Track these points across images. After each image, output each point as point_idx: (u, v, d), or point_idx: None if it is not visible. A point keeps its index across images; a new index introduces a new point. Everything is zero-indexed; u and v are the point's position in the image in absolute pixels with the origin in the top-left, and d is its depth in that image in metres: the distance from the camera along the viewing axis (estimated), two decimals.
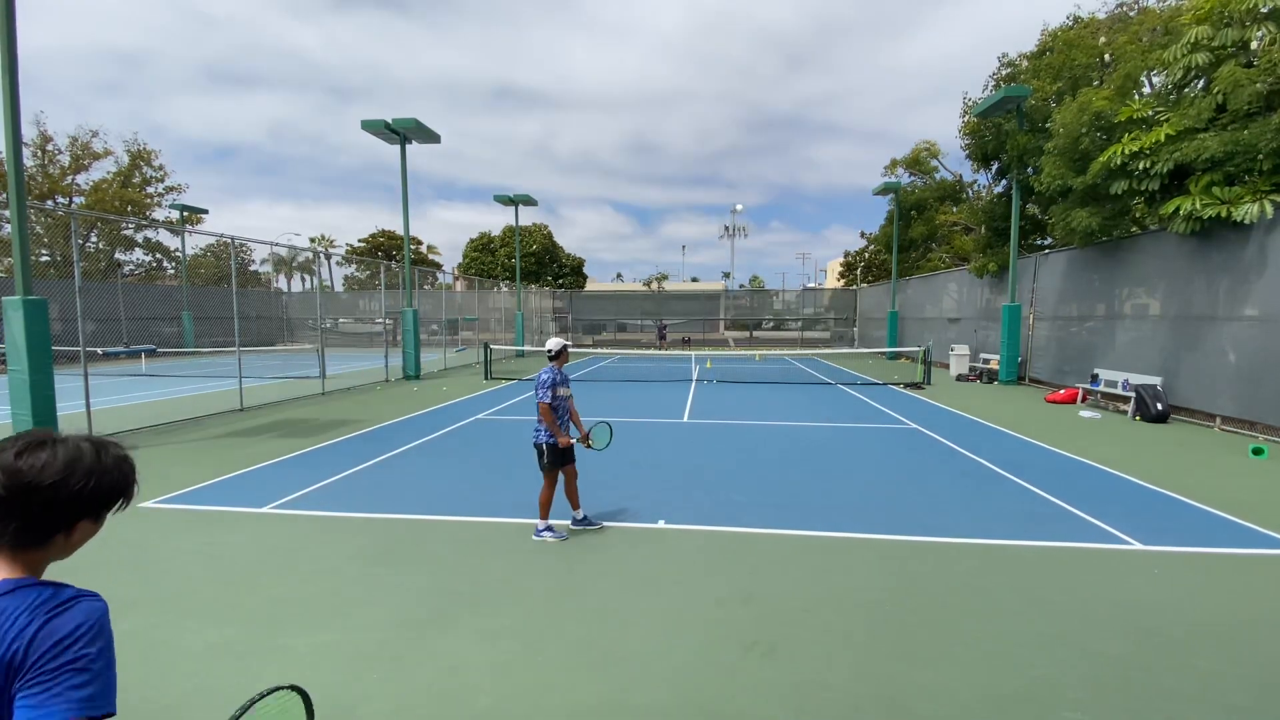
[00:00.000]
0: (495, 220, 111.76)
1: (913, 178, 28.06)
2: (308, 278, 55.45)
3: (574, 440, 5.39)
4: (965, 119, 20.61)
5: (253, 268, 39.78)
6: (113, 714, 0.99)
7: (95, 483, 1.07)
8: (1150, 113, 11.59)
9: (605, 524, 5.51)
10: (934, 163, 27.70)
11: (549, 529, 5.20)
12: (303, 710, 1.33)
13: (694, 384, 16.53)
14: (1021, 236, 17.51)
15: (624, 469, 7.53)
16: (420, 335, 18.91)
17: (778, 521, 5.61)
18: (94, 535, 1.13)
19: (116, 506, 1.12)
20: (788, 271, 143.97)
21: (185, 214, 30.59)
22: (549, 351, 5.46)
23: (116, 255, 32.50)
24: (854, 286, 40.91)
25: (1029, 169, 16.14)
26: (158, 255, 34.59)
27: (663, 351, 30.01)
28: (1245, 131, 9.92)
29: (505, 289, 33.88)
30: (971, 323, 20.65)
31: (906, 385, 16.44)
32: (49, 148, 29.86)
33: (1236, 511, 5.94)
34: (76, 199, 30.66)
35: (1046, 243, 19.38)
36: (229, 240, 12.92)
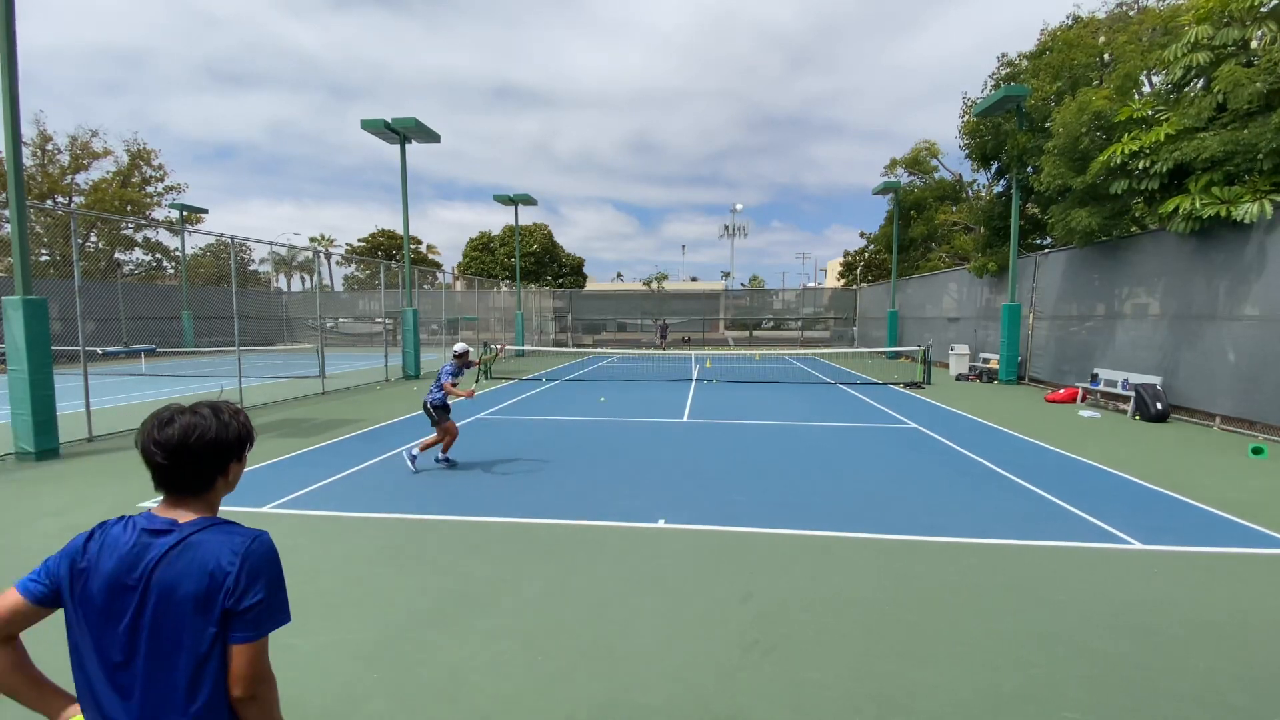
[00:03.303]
0: (495, 220, 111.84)
1: (912, 177, 28.07)
2: (307, 277, 55.46)
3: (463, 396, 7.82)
4: (965, 119, 20.62)
5: (252, 267, 39.79)
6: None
7: (224, 435, 1.37)
8: (1150, 112, 11.59)
9: (597, 521, 5.52)
10: (934, 162, 27.71)
11: (414, 458, 7.37)
12: None
13: (694, 384, 16.54)
14: (1021, 236, 17.50)
15: (624, 468, 7.53)
16: (420, 335, 18.91)
17: (777, 521, 5.61)
18: (243, 470, 1.50)
19: (248, 447, 1.45)
20: (788, 271, 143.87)
21: (185, 213, 30.58)
22: (461, 352, 7.79)
23: (116, 255, 32.49)
24: (854, 286, 40.91)
25: (1029, 169, 16.14)
26: (157, 255, 34.59)
27: (663, 351, 30.04)
28: (1245, 131, 9.92)
29: (505, 289, 33.87)
30: (971, 322, 20.65)
31: (906, 385, 16.44)
32: (49, 147, 29.88)
33: (1236, 511, 5.94)
34: (76, 198, 30.65)
35: (1046, 242, 19.39)
36: (229, 240, 12.91)
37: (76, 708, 1.34)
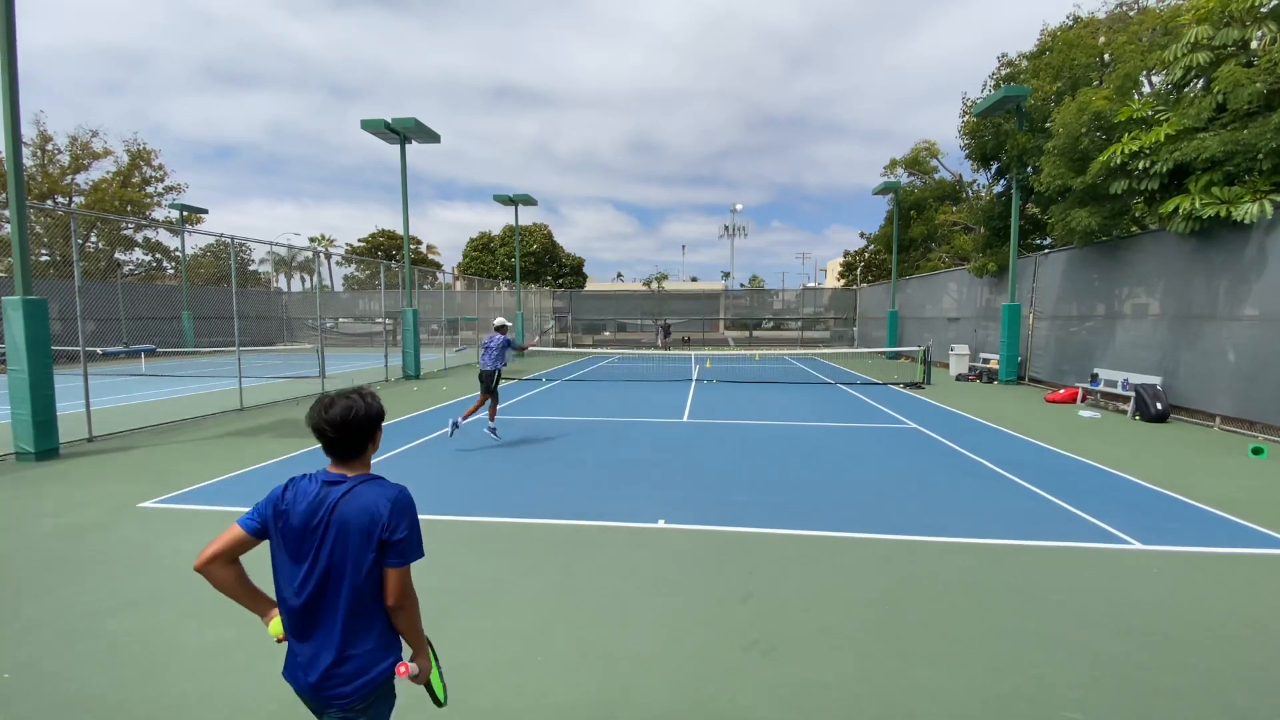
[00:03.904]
0: (495, 220, 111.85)
1: (912, 177, 28.07)
2: (307, 277, 55.46)
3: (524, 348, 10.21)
4: (965, 119, 20.61)
5: (252, 267, 39.79)
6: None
7: (369, 412, 1.83)
8: (1150, 112, 11.58)
9: (597, 521, 5.52)
10: (933, 162, 27.71)
11: (457, 426, 8.73)
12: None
13: (694, 384, 16.54)
14: (1021, 236, 17.50)
15: (624, 468, 7.53)
16: (420, 335, 18.91)
17: (777, 521, 5.61)
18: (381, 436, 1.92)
19: (383, 420, 1.91)
20: (788, 271, 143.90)
21: (185, 214, 30.58)
22: (502, 325, 9.16)
23: (116, 255, 32.48)
24: (854, 286, 40.91)
25: (1029, 169, 16.14)
26: (157, 255, 34.58)
27: (666, 351, 30.07)
28: (1245, 131, 9.92)
29: (505, 289, 33.88)
30: (971, 322, 20.65)
31: (906, 385, 16.44)
32: (49, 147, 29.87)
33: (1236, 511, 5.95)
34: (76, 199, 30.65)
35: (1046, 242, 19.38)
36: (229, 240, 12.90)
37: (276, 610, 1.87)
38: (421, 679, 1.93)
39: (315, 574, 1.74)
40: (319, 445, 1.82)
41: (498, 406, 9.13)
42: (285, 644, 1.86)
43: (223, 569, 1.78)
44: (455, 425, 8.70)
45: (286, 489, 1.80)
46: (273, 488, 1.83)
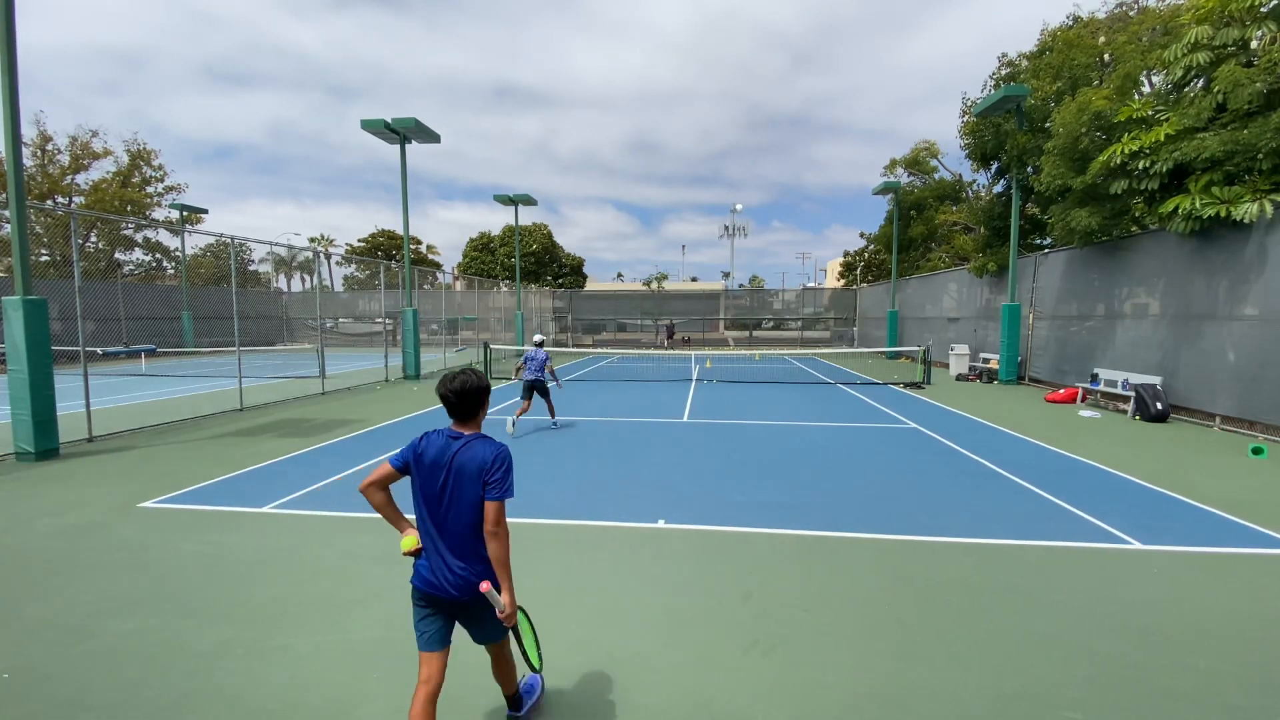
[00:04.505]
0: (495, 220, 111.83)
1: (912, 177, 28.06)
2: (307, 277, 55.45)
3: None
4: (965, 119, 20.61)
5: (252, 267, 39.78)
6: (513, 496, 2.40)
7: (481, 385, 2.50)
8: (1150, 112, 11.58)
9: (597, 521, 5.52)
10: (933, 162, 27.70)
11: (515, 424, 9.68)
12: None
13: (694, 384, 16.54)
14: (1021, 236, 17.50)
15: (624, 468, 7.53)
16: (420, 335, 18.90)
17: (777, 521, 5.61)
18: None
19: (489, 393, 2.58)
20: (788, 271, 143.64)
21: (185, 214, 30.57)
22: (541, 341, 10.40)
23: (116, 255, 32.47)
24: (854, 286, 40.90)
25: (1029, 169, 16.14)
26: (157, 255, 34.55)
27: (670, 351, 30.15)
28: (1245, 131, 9.92)
29: (505, 289, 33.87)
30: (971, 322, 20.65)
31: (906, 385, 16.44)
32: (49, 147, 29.84)
33: (1236, 511, 5.95)
34: (76, 199, 30.64)
35: (1046, 242, 19.37)
36: (229, 240, 12.90)
37: (413, 529, 2.53)
38: (505, 613, 2.38)
39: (442, 504, 2.39)
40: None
41: (552, 405, 10.41)
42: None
43: (377, 493, 2.45)
44: (513, 424, 9.79)
45: (422, 439, 2.47)
46: (413, 437, 2.51)
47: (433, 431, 2.48)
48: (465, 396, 2.46)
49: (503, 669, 2.71)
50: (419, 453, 2.41)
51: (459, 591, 2.36)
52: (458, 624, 2.50)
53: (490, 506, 2.34)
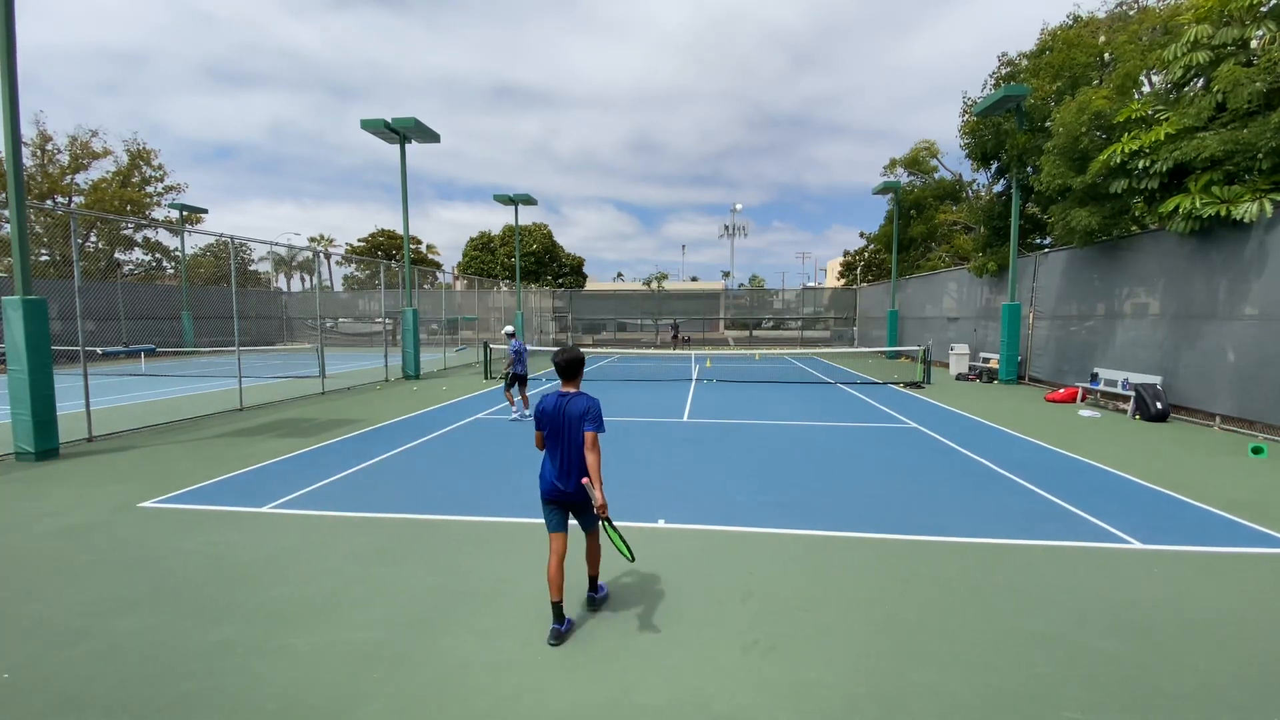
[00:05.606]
0: (495, 220, 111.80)
1: (912, 177, 28.05)
2: (307, 277, 55.45)
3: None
4: (965, 118, 20.60)
5: (252, 267, 39.76)
6: (604, 431, 3.65)
7: (580, 356, 3.80)
8: (1150, 112, 11.58)
9: None
10: (933, 162, 27.69)
11: (524, 414, 10.82)
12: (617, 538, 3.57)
13: (694, 383, 16.53)
14: (1021, 236, 17.49)
15: (624, 468, 7.53)
16: (420, 335, 18.90)
17: (777, 521, 5.61)
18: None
19: (584, 363, 3.91)
20: (788, 271, 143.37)
21: (185, 213, 30.56)
22: (513, 332, 11.15)
23: (116, 255, 32.46)
24: (854, 286, 40.89)
25: (1029, 168, 16.13)
26: (157, 255, 34.56)
27: (676, 350, 30.22)
28: (1245, 130, 9.92)
29: (505, 288, 33.86)
30: (971, 322, 20.65)
31: (906, 384, 16.44)
32: (48, 147, 29.84)
33: (1236, 511, 5.95)
34: (76, 198, 30.63)
35: (1046, 242, 19.37)
36: (229, 240, 12.90)
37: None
38: (598, 504, 3.44)
39: (562, 438, 3.60)
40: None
41: (526, 398, 11.32)
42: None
43: (543, 444, 3.69)
44: (524, 416, 10.72)
45: (541, 402, 3.67)
46: (541, 399, 3.70)
47: (549, 394, 3.69)
48: (571, 365, 3.70)
49: (592, 553, 3.94)
50: (542, 410, 3.65)
51: (574, 492, 3.60)
52: (570, 515, 3.76)
53: (588, 435, 3.51)
